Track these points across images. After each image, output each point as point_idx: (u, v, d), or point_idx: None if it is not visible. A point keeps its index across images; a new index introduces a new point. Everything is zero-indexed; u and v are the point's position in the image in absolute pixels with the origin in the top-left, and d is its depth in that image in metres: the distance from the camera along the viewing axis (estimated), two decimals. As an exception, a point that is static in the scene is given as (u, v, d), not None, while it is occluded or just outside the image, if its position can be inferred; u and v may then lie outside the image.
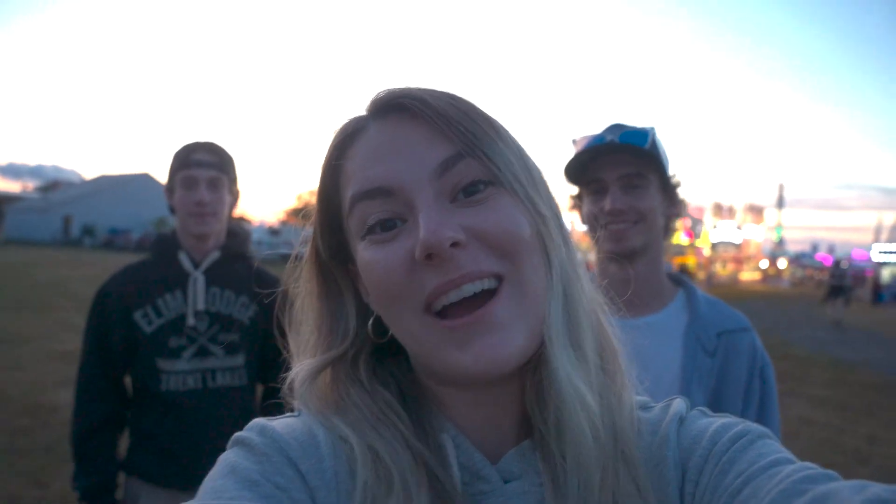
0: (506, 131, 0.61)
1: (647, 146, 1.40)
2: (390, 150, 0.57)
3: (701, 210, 59.90)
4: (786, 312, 24.02)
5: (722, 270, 58.16)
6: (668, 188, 1.47)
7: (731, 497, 0.51)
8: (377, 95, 0.60)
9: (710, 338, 1.42)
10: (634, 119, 1.47)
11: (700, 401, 1.35)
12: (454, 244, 0.52)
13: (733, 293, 38.15)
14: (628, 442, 0.58)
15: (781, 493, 0.47)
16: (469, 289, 0.53)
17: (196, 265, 2.02)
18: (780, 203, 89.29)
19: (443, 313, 0.54)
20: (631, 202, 1.40)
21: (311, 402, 0.61)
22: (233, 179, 2.05)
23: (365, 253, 0.57)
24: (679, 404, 0.64)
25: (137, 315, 1.94)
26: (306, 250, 0.65)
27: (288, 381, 0.63)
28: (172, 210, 2.05)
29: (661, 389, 1.37)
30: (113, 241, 48.89)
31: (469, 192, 0.56)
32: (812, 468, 0.49)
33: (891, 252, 43.84)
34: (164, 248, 2.05)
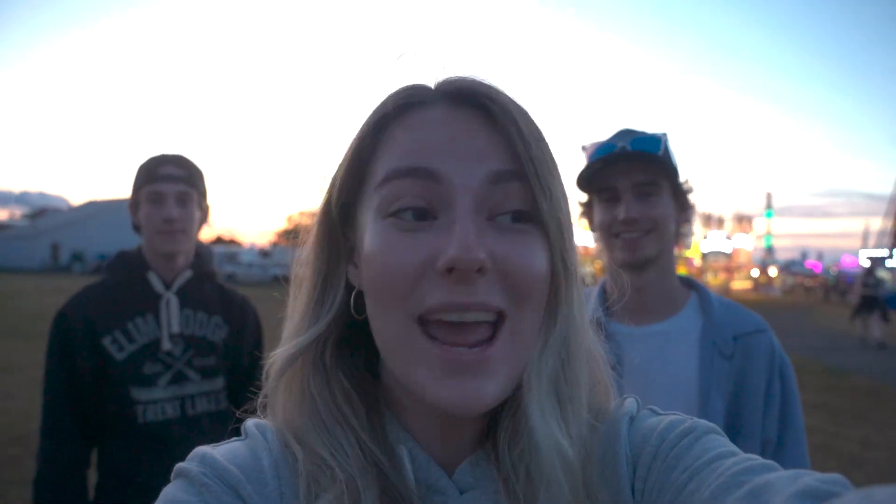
0: (559, 169, 0.59)
1: (660, 153, 1.38)
2: (452, 139, 0.53)
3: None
4: (778, 320, 24.09)
5: (713, 280, 58.37)
6: (679, 194, 1.46)
7: (678, 492, 0.52)
8: (457, 83, 0.56)
9: (726, 341, 1.40)
10: (645, 125, 1.45)
11: (719, 405, 1.36)
12: (480, 269, 0.50)
13: (725, 302, 38.08)
14: (594, 469, 0.58)
15: (721, 485, 0.48)
16: (471, 317, 0.51)
17: (167, 286, 1.88)
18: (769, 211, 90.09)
19: (431, 327, 0.52)
20: (644, 211, 1.38)
21: (279, 397, 0.61)
22: (202, 194, 1.93)
23: (383, 234, 0.53)
24: (630, 403, 0.64)
25: (106, 341, 1.78)
26: (319, 205, 0.61)
27: (266, 368, 0.61)
28: (137, 228, 1.90)
29: (679, 395, 1.38)
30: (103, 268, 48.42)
31: (513, 217, 0.54)
32: (753, 459, 0.50)
33: (879, 257, 44.22)
34: (129, 268, 1.89)
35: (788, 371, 1.43)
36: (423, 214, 0.53)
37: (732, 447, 0.54)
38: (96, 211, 60.77)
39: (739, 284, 63.91)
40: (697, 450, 0.54)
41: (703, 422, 0.58)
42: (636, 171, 1.39)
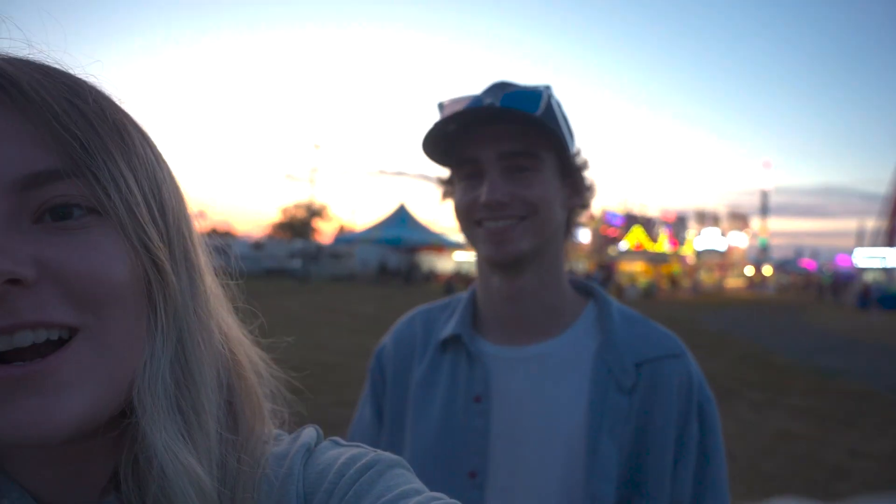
0: (144, 144, 0.50)
1: (540, 112, 1.01)
2: None
3: (685, 217, 60.16)
4: (770, 319, 23.92)
5: (707, 278, 58.28)
6: (568, 170, 1.09)
7: None
8: None
9: (626, 369, 1.05)
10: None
11: (613, 454, 1.01)
12: (12, 281, 0.41)
13: (719, 300, 38.18)
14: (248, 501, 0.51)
15: None
16: (26, 338, 0.42)
17: None
18: (765, 210, 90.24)
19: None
20: (516, 191, 1.03)
21: None
22: None
23: None
24: (309, 433, 0.58)
25: None
26: None
27: None
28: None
29: (560, 439, 1.04)
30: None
31: (59, 214, 0.44)
32: (439, 499, 0.48)
33: (873, 257, 44.15)
34: None
35: (710, 409, 1.08)
36: None
37: (418, 484, 0.51)
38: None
39: (733, 282, 63.87)
40: (380, 487, 0.50)
41: (388, 455, 0.54)
42: (505, 138, 1.03)
